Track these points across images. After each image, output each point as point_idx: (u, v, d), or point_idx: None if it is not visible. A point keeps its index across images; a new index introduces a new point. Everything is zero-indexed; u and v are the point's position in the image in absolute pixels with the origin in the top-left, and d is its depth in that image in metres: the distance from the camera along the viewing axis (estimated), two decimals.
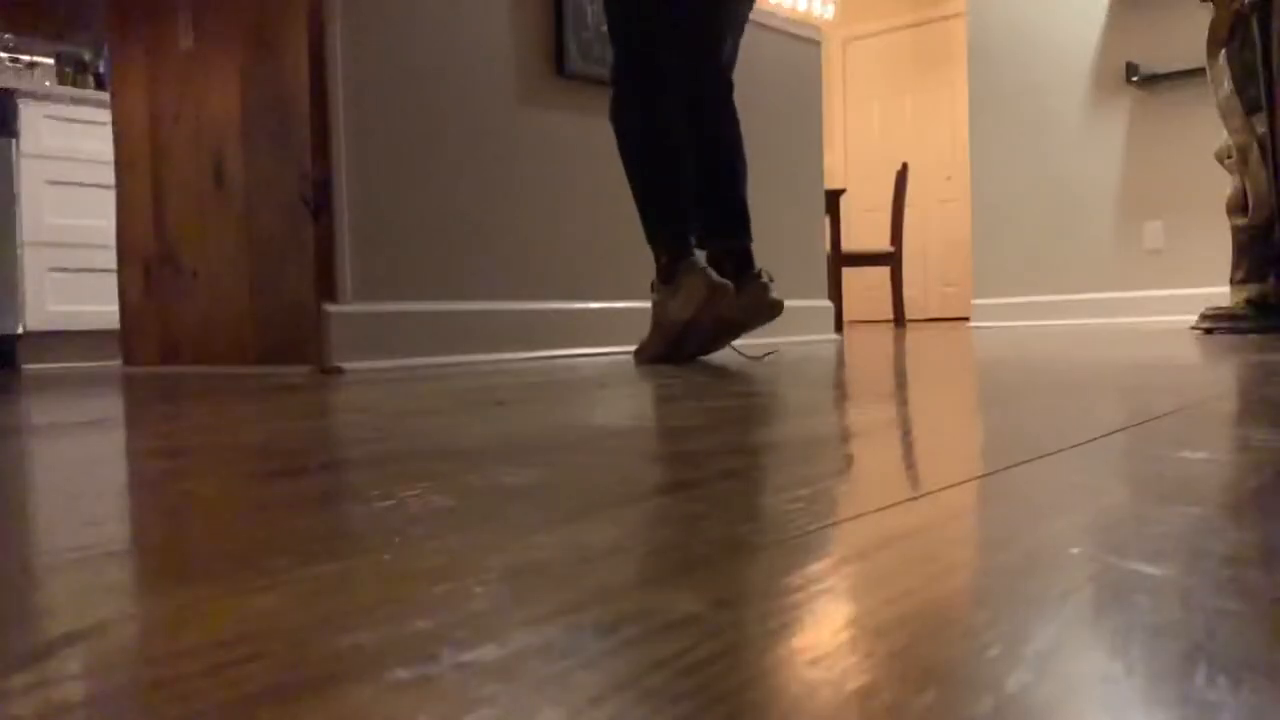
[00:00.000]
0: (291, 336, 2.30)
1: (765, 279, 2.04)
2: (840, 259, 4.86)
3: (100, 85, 4.25)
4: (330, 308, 2.23)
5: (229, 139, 2.45)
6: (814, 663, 0.25)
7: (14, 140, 3.65)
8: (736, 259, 2.12)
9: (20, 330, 3.67)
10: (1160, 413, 0.81)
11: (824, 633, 0.28)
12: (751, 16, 3.34)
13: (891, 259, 5.05)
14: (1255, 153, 2.88)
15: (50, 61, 4.33)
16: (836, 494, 0.49)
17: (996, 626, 0.28)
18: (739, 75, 2.32)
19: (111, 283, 3.85)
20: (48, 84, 3.99)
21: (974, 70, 5.10)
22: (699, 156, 2.11)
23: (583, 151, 2.82)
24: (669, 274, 2.01)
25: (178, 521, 0.48)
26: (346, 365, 2.24)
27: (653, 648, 0.27)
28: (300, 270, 2.28)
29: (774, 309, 2.05)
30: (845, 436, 0.72)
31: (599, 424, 0.87)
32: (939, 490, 0.50)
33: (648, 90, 2.05)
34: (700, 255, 2.07)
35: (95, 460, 0.73)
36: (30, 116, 3.69)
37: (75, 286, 3.80)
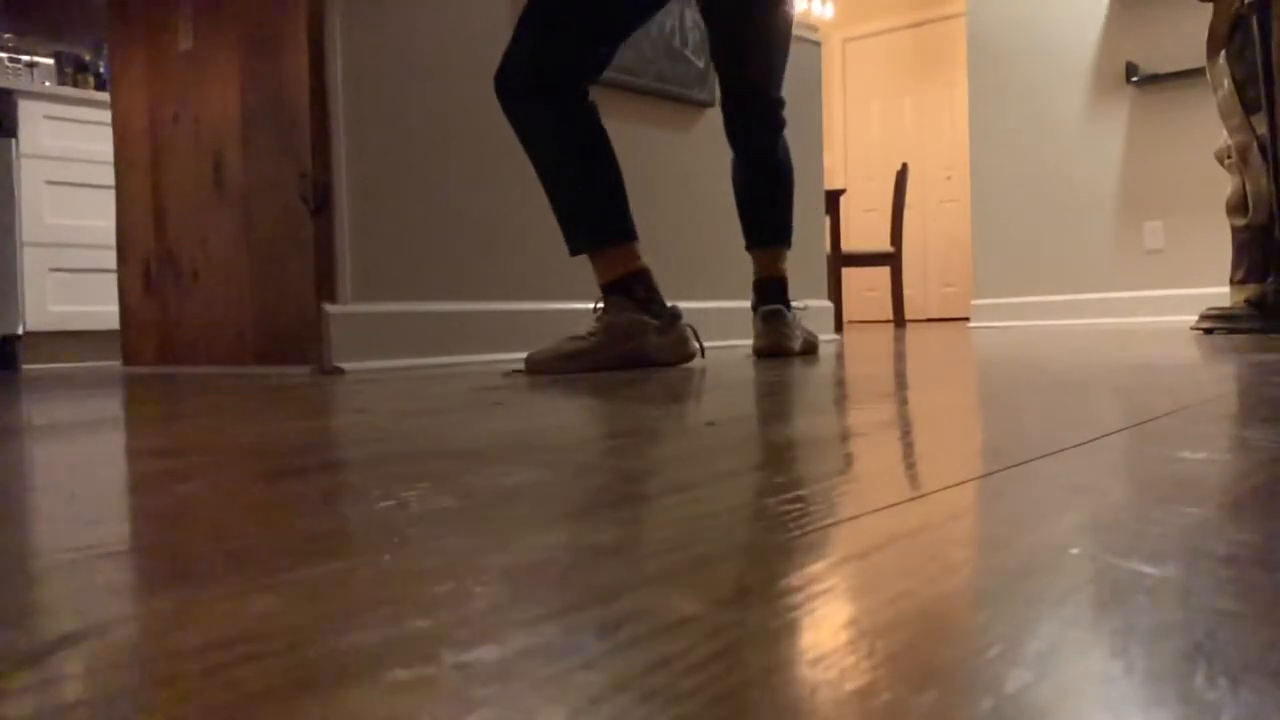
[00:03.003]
0: (291, 336, 2.30)
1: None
2: (840, 259, 4.86)
3: (100, 85, 4.25)
4: (330, 308, 2.23)
5: (229, 139, 2.45)
6: (814, 663, 0.25)
7: (14, 140, 3.65)
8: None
9: (20, 330, 3.67)
10: (1160, 413, 0.81)
11: (824, 633, 0.28)
12: None
13: (891, 259, 5.05)
14: (1255, 153, 2.88)
15: (50, 61, 4.33)
16: (836, 494, 0.49)
17: (996, 626, 0.28)
18: None
19: (111, 283, 3.85)
20: (48, 84, 3.99)
21: (974, 70, 5.11)
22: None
23: None
24: (654, 308, 1.92)
25: (178, 521, 0.48)
26: (346, 365, 2.24)
27: (653, 648, 0.27)
28: (300, 270, 2.28)
29: (692, 359, 1.96)
30: (845, 436, 0.72)
31: (598, 424, 0.87)
32: (939, 490, 0.50)
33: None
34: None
35: (95, 460, 0.73)
36: (30, 116, 3.69)
37: (75, 286, 3.80)
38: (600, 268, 1.92)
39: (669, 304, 1.94)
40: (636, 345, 1.87)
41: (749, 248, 2.26)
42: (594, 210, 1.93)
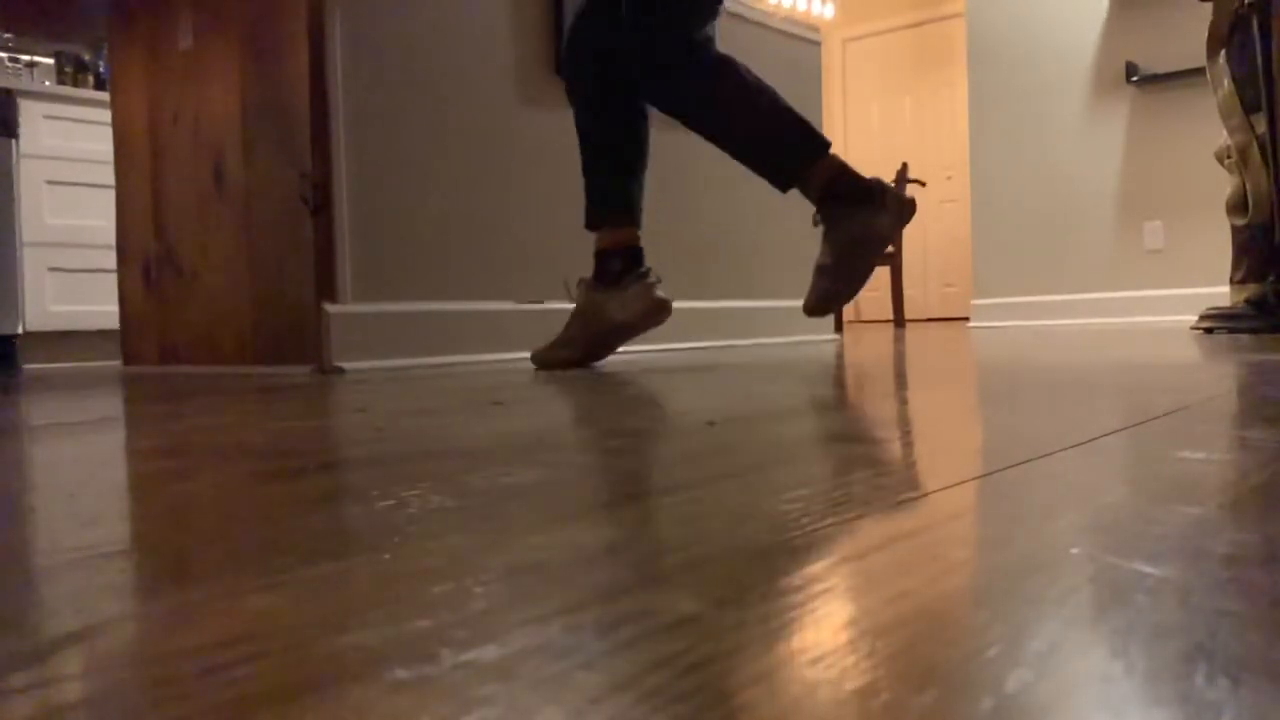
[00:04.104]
0: (291, 336, 2.31)
1: (654, 278, 1.98)
2: None
3: (100, 85, 4.25)
4: (330, 308, 2.23)
5: (229, 139, 2.45)
6: (814, 663, 0.25)
7: (14, 140, 3.65)
8: (631, 254, 2.02)
9: (20, 330, 3.67)
10: (1160, 413, 0.81)
11: (824, 633, 0.28)
12: (751, 16, 3.35)
13: (891, 259, 5.05)
14: (1255, 152, 2.88)
15: (50, 61, 4.33)
16: (836, 494, 0.49)
17: (996, 626, 0.28)
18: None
19: (111, 283, 3.85)
20: (48, 84, 3.99)
21: (974, 70, 5.10)
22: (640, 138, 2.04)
23: None
24: (618, 277, 1.97)
25: (178, 521, 0.48)
26: (346, 365, 2.24)
27: (653, 648, 0.27)
28: (300, 270, 2.28)
29: (664, 310, 1.96)
30: (845, 436, 0.72)
31: (599, 424, 0.87)
32: (939, 490, 0.50)
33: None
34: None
35: (95, 460, 0.73)
36: (30, 116, 3.69)
37: (75, 286, 3.80)
38: (596, 242, 2.02)
39: (643, 268, 1.97)
40: (600, 324, 1.97)
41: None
42: (602, 194, 1.99)
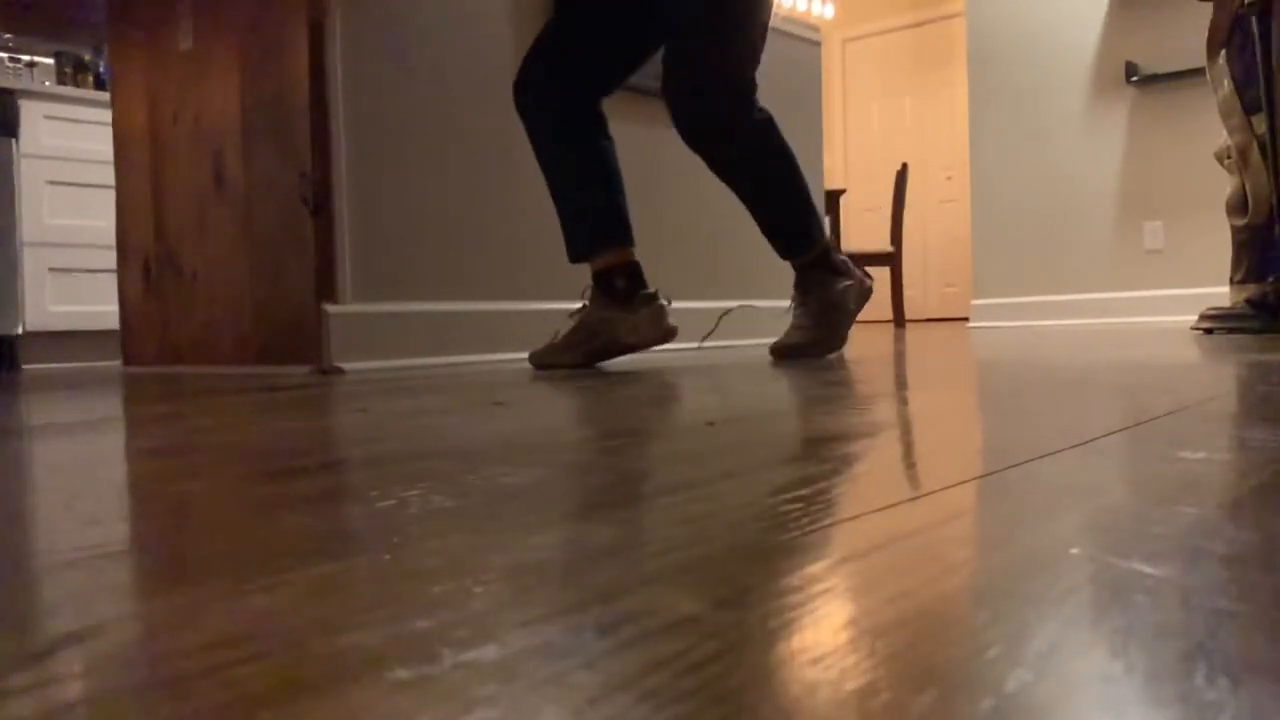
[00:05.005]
0: (291, 336, 2.30)
1: (663, 300, 2.01)
2: None
3: (100, 85, 4.25)
4: (330, 308, 2.23)
5: (229, 139, 2.45)
6: (814, 663, 0.25)
7: (14, 140, 3.65)
8: (631, 270, 2.03)
9: (20, 330, 3.66)
10: (1160, 413, 0.81)
11: (824, 633, 0.28)
12: None
13: (891, 259, 5.05)
14: (1255, 153, 2.88)
15: (50, 61, 4.32)
16: (836, 494, 0.49)
17: (996, 626, 0.28)
18: None
19: (111, 283, 3.85)
20: (48, 84, 3.99)
21: (974, 70, 5.10)
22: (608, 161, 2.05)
23: None
24: (626, 296, 1.99)
25: (178, 521, 0.48)
26: (346, 365, 2.24)
27: (653, 648, 0.27)
28: (300, 270, 2.27)
29: (671, 337, 2.01)
30: (845, 436, 0.72)
31: (599, 424, 0.87)
32: (939, 490, 0.50)
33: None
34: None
35: (95, 460, 0.73)
36: (30, 116, 3.69)
37: (75, 286, 3.80)
38: (592, 263, 2.05)
39: (651, 290, 2.01)
40: (606, 339, 2.01)
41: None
42: (588, 220, 2.02)
